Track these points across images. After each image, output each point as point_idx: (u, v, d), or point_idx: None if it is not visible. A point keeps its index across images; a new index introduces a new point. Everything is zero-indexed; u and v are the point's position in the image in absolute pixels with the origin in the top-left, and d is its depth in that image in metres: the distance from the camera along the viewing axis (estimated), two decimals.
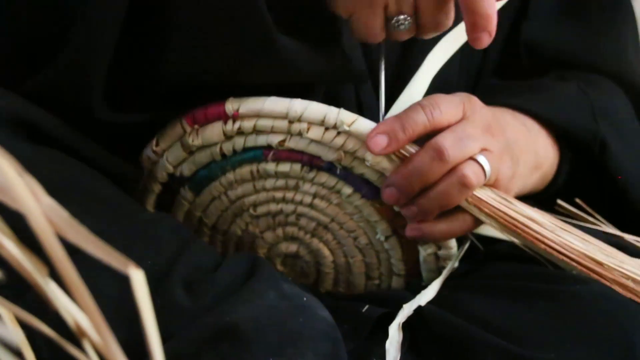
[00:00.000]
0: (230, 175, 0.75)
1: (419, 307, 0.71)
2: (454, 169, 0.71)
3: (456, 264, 0.77)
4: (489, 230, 0.78)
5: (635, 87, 0.94)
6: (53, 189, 0.51)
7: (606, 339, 0.68)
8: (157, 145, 0.75)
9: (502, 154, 0.75)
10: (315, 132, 0.70)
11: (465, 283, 0.75)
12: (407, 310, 0.70)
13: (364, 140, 0.70)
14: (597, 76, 0.93)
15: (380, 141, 0.69)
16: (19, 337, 0.33)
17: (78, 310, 0.33)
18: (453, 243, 0.75)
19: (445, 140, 0.71)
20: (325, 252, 0.77)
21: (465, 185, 0.70)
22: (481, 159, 0.71)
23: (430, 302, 0.72)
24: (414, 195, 0.71)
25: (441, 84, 0.84)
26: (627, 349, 0.67)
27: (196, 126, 0.73)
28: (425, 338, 0.70)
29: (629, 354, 0.67)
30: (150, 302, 0.32)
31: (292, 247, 0.78)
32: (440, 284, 0.74)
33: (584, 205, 0.81)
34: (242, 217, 0.78)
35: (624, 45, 0.95)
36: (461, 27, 0.79)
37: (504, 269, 0.76)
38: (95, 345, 0.32)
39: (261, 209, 0.77)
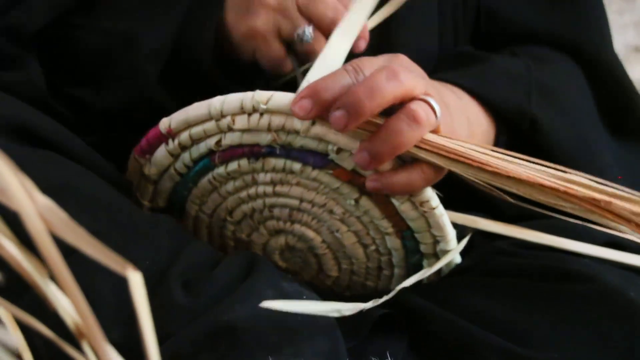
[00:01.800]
0: (195, 191, 0.76)
1: (422, 306, 0.70)
2: (401, 106, 0.66)
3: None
4: (490, 225, 0.76)
5: (596, 59, 0.91)
6: (50, 190, 0.52)
7: (609, 339, 0.67)
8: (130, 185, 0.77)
9: (440, 102, 0.70)
10: (241, 122, 0.70)
11: (467, 281, 0.75)
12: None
13: (287, 112, 0.68)
14: (551, 52, 0.91)
15: (305, 105, 0.66)
16: (18, 339, 0.33)
17: (75, 311, 0.32)
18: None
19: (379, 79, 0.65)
20: (310, 233, 0.76)
21: (414, 120, 0.65)
22: (430, 98, 0.66)
23: (432, 302, 0.72)
24: (346, 127, 0.65)
25: (423, 57, 0.82)
26: (630, 349, 0.67)
27: (147, 156, 0.74)
28: (427, 338, 0.70)
29: (633, 354, 0.67)
30: (147, 303, 0.31)
31: (281, 240, 0.78)
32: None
33: None
34: (226, 228, 0.79)
35: (585, 17, 0.92)
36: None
37: (506, 266, 0.75)
38: (94, 345, 0.32)
39: (236, 214, 0.77)
